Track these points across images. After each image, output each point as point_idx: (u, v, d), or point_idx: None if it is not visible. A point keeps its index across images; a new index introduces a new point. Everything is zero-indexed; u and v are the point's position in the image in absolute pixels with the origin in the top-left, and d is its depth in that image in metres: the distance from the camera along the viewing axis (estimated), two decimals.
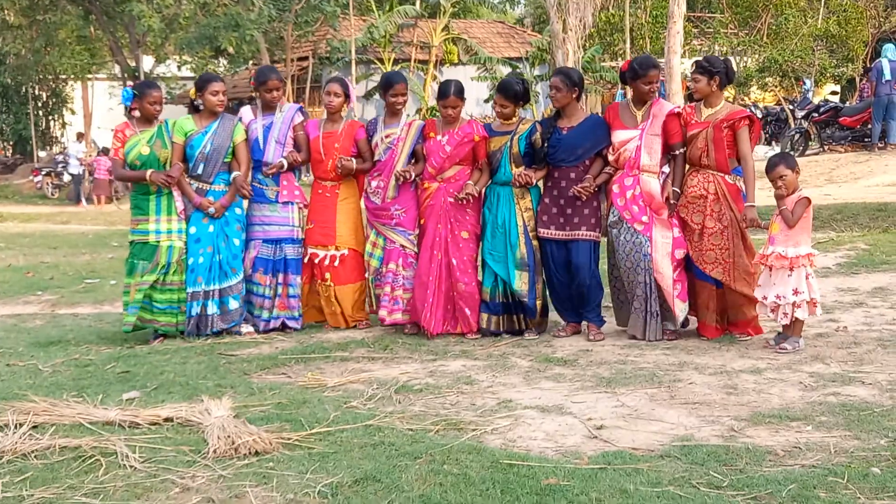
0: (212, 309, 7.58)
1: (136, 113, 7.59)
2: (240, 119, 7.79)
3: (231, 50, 28.09)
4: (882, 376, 5.81)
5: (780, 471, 4.24)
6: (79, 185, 27.96)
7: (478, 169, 7.54)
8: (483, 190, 7.52)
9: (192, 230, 7.56)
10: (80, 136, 32.39)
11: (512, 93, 7.38)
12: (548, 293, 7.55)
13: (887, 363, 6.15)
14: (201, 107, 7.67)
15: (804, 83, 25.11)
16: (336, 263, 7.77)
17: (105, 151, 29.35)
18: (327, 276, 7.77)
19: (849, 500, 3.87)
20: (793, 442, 4.65)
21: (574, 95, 7.35)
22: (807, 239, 6.62)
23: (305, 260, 7.84)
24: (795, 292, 6.50)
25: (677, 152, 7.10)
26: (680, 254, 7.05)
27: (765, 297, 6.68)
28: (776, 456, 4.45)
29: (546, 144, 7.29)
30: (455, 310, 7.50)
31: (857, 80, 27.01)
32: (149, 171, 7.39)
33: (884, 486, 3.99)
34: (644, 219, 7.05)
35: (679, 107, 7.33)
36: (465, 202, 7.40)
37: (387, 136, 7.65)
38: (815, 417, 5.02)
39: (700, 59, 7.37)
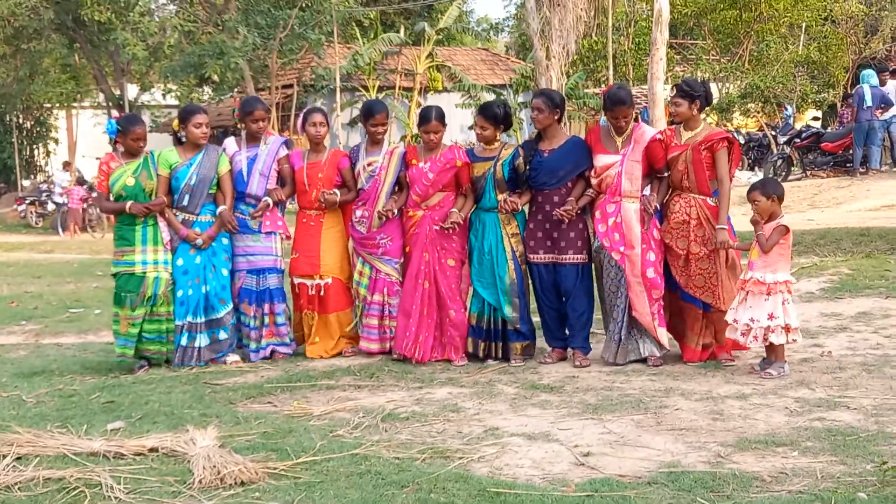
0: (201, 341, 7.56)
1: (120, 147, 7.56)
2: (224, 150, 7.78)
3: (216, 78, 28.12)
4: (867, 401, 5.83)
5: (767, 497, 4.24)
6: (64, 214, 27.86)
7: (462, 195, 7.54)
8: (468, 216, 7.53)
9: (180, 262, 7.53)
10: (66, 165, 32.30)
11: (491, 114, 7.43)
12: (537, 318, 7.55)
13: (872, 388, 6.17)
14: (184, 139, 7.66)
15: (786, 109, 25.30)
16: (321, 293, 7.77)
17: (80, 182, 29.34)
18: (312, 305, 7.78)
19: None
20: (779, 468, 4.65)
21: (556, 117, 7.38)
22: (785, 266, 6.65)
23: (295, 289, 7.85)
24: (771, 317, 6.53)
25: (662, 175, 7.15)
26: (659, 285, 7.08)
27: (736, 321, 6.71)
28: (763, 482, 4.46)
29: (528, 168, 7.32)
30: (443, 336, 7.48)
31: (838, 105, 27.22)
32: (129, 203, 7.34)
33: None
34: (622, 249, 7.07)
35: (661, 132, 7.34)
36: (450, 231, 7.41)
37: (369, 165, 7.66)
38: (802, 443, 5.03)
39: (680, 82, 7.41)
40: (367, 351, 7.69)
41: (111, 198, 7.48)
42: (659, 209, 7.12)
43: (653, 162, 7.13)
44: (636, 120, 7.54)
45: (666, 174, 7.14)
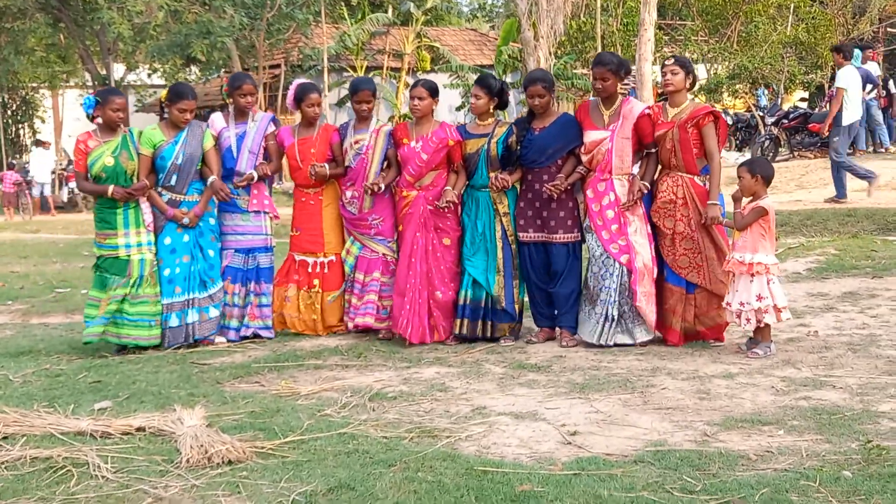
0: (192, 317, 7.50)
1: (99, 121, 7.38)
2: (207, 126, 7.73)
3: (202, 58, 27.97)
4: (852, 380, 5.86)
5: (752, 475, 4.26)
6: (46, 193, 27.84)
7: (454, 171, 7.52)
8: (461, 194, 7.51)
9: (167, 241, 7.46)
10: (39, 144, 32.03)
11: (486, 84, 7.42)
12: (525, 297, 7.56)
13: (858, 367, 6.20)
14: (167, 116, 7.58)
15: (758, 90, 25.28)
16: (326, 271, 7.76)
17: (10, 166, 29.20)
18: (315, 282, 7.76)
19: (821, 503, 3.90)
20: (765, 446, 4.68)
21: (553, 96, 7.37)
22: (766, 246, 6.63)
23: (295, 265, 7.82)
24: (759, 298, 6.55)
25: (650, 151, 7.13)
26: (655, 272, 7.06)
27: (728, 304, 6.73)
28: (749, 460, 4.48)
29: (519, 146, 7.30)
30: (430, 318, 7.48)
31: (826, 86, 27.26)
32: (111, 188, 7.22)
33: (855, 489, 4.02)
34: (613, 228, 7.05)
35: (649, 107, 7.29)
36: (445, 209, 7.39)
37: (356, 143, 7.64)
38: (787, 421, 5.06)
39: (675, 55, 7.38)
40: (355, 327, 7.71)
41: (90, 178, 7.33)
42: (648, 189, 7.09)
43: (642, 137, 7.10)
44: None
45: (654, 150, 7.11)
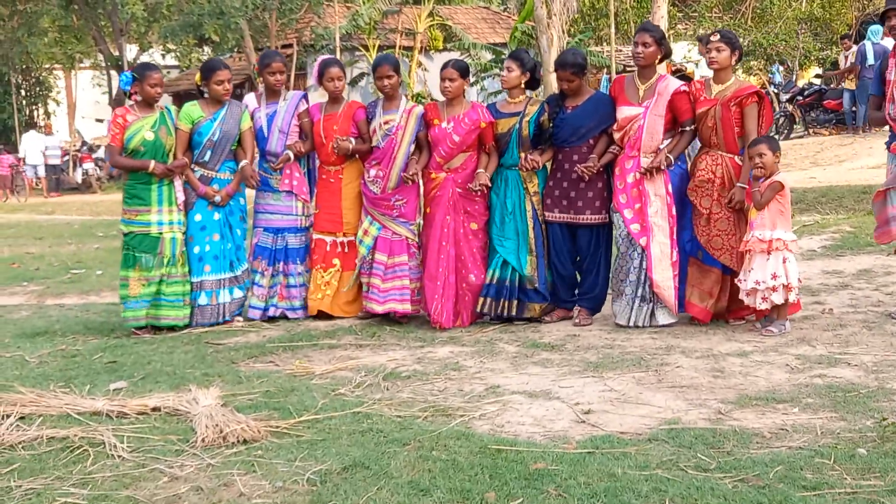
0: (224, 297, 7.53)
1: (137, 97, 7.37)
2: (246, 106, 7.72)
3: (215, 38, 27.94)
4: (867, 358, 5.84)
5: (766, 453, 4.25)
6: (57, 174, 28.01)
7: (485, 153, 7.41)
8: (491, 174, 7.40)
9: (198, 217, 7.47)
10: (32, 127, 32.10)
11: (520, 58, 7.38)
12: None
13: (873, 345, 6.18)
14: (206, 94, 7.59)
15: (773, 66, 25.13)
16: (346, 250, 7.71)
17: (8, 150, 29.33)
18: (336, 261, 7.71)
19: (835, 480, 3.89)
20: (779, 424, 4.67)
21: (582, 77, 7.28)
22: (785, 223, 6.58)
23: (313, 246, 7.80)
24: (774, 276, 6.51)
25: (685, 129, 6.97)
26: (675, 255, 6.95)
27: (741, 281, 6.68)
28: (763, 438, 4.47)
29: (551, 124, 7.22)
30: (459, 302, 7.38)
31: (841, 62, 27.09)
32: (152, 162, 7.21)
33: (870, 466, 4.01)
34: (637, 206, 6.93)
35: (685, 84, 7.11)
36: (477, 193, 7.31)
37: (385, 123, 7.51)
38: (802, 399, 5.04)
39: (721, 29, 7.21)
40: (371, 311, 7.61)
41: (125, 153, 7.29)
42: (671, 162, 6.94)
43: (677, 115, 6.94)
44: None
45: (689, 128, 6.96)
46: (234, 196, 7.60)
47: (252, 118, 7.69)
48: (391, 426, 4.81)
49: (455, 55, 30.06)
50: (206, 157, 7.48)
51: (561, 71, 7.22)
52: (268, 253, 7.72)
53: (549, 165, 7.40)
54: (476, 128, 7.29)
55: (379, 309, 7.51)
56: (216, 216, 7.53)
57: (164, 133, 7.32)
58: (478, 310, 7.36)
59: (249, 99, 7.86)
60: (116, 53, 30.80)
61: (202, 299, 7.49)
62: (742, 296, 6.76)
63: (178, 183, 7.39)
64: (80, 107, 36.42)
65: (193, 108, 7.52)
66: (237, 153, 7.63)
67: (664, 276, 6.90)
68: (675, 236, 6.95)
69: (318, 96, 8.15)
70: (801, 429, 4.57)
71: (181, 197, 7.41)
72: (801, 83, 23.65)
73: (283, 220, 7.72)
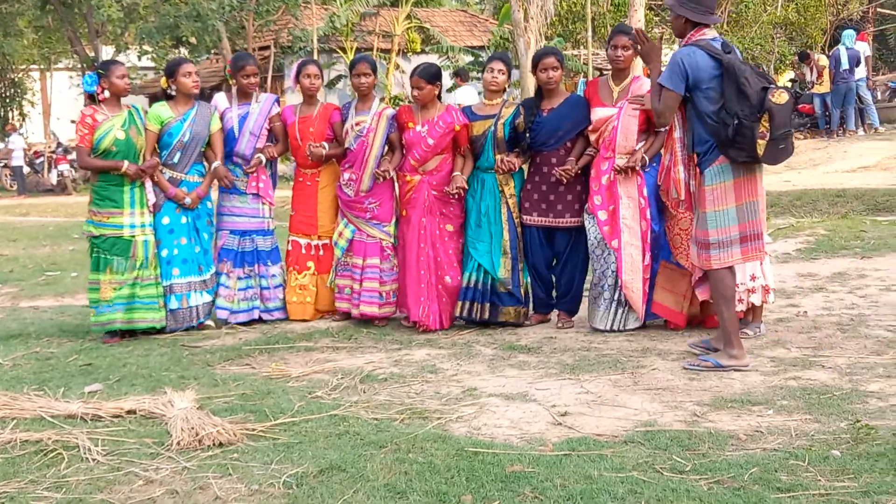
0: (195, 300, 7.47)
1: (105, 94, 7.19)
2: (215, 108, 7.68)
3: (192, 40, 27.82)
4: (841, 360, 5.88)
5: (742, 455, 4.28)
6: (22, 177, 27.90)
7: (460, 156, 7.40)
8: (468, 176, 7.39)
9: (165, 220, 7.39)
10: (7, 128, 31.88)
11: (506, 59, 7.41)
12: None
13: (847, 347, 6.22)
14: (174, 93, 7.51)
15: None
16: (321, 253, 7.72)
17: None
18: (310, 264, 7.71)
19: (810, 482, 3.91)
20: (754, 426, 4.69)
21: (563, 69, 7.31)
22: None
23: (290, 248, 7.79)
24: (753, 278, 6.55)
25: (659, 129, 6.89)
26: (647, 259, 6.90)
27: None
28: (738, 440, 4.50)
29: (528, 127, 7.19)
30: (439, 303, 7.36)
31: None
32: (125, 163, 7.09)
33: (844, 468, 4.04)
34: (610, 208, 6.93)
35: None
36: (454, 196, 7.31)
37: (357, 125, 7.51)
38: (777, 401, 5.08)
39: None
40: (341, 311, 7.65)
41: (95, 153, 7.15)
42: (647, 163, 6.90)
43: (651, 115, 6.94)
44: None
45: (663, 129, 6.94)
46: (203, 198, 7.55)
47: (223, 118, 7.65)
48: (368, 429, 4.80)
49: (433, 58, 30.06)
50: (175, 159, 7.41)
51: (545, 59, 7.19)
52: (233, 255, 7.67)
53: (525, 169, 7.40)
54: (450, 130, 7.30)
55: (353, 312, 7.55)
56: (184, 219, 7.46)
57: (134, 132, 7.21)
58: (457, 314, 7.35)
59: (220, 98, 7.81)
60: (92, 54, 30.59)
61: (173, 303, 7.42)
62: None
63: (148, 185, 7.30)
64: (55, 108, 36.15)
65: (162, 109, 7.44)
66: (207, 155, 7.58)
67: (633, 279, 6.90)
68: (648, 240, 6.94)
69: (295, 98, 8.10)
70: (775, 431, 4.60)
71: (152, 199, 7.32)
72: None
73: (250, 222, 7.69)
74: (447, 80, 23.70)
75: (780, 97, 5.62)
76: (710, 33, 5.94)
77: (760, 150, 5.64)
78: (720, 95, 5.73)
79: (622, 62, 6.99)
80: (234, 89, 7.84)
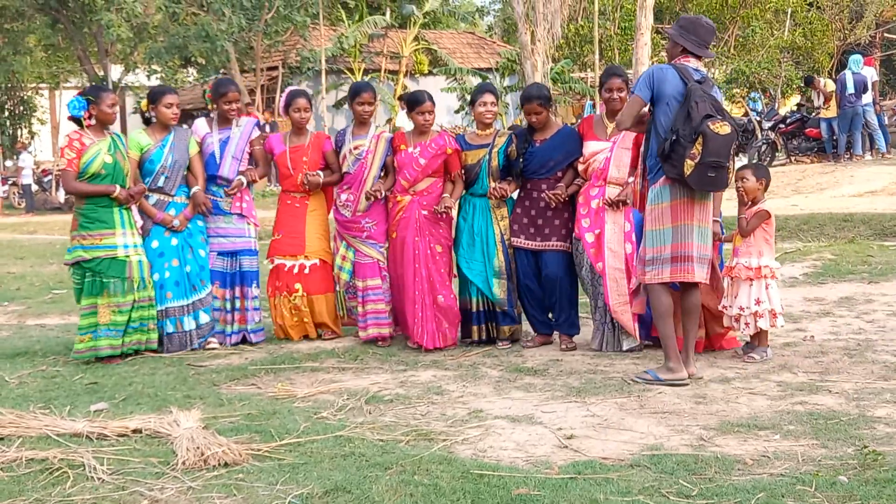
0: (189, 324, 7.46)
1: (92, 121, 7.14)
2: (191, 132, 7.71)
3: (201, 60, 27.95)
4: (848, 385, 5.86)
5: (748, 479, 4.26)
6: (31, 195, 27.97)
7: (450, 181, 7.53)
8: (457, 202, 7.52)
9: (155, 244, 7.38)
10: (18, 146, 31.98)
11: (495, 90, 7.55)
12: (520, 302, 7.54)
13: (854, 372, 6.21)
14: (153, 119, 7.53)
15: (749, 94, 25.31)
16: (306, 272, 7.74)
17: None
18: (297, 286, 7.72)
19: None
20: (761, 451, 4.68)
21: (550, 111, 7.42)
22: (769, 251, 6.64)
23: (272, 267, 7.81)
24: (758, 302, 6.55)
25: None
26: (633, 283, 6.90)
27: (725, 308, 6.71)
28: (745, 465, 4.48)
29: (521, 157, 7.29)
30: (436, 323, 7.40)
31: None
32: (117, 187, 7.05)
33: (851, 494, 4.02)
34: (596, 232, 7.01)
35: None
36: (442, 215, 7.39)
37: (355, 148, 7.62)
38: (783, 426, 5.06)
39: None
40: (367, 338, 7.58)
41: (81, 177, 7.07)
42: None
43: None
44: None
45: None
46: (191, 219, 7.56)
47: (203, 142, 7.67)
48: (373, 450, 4.80)
49: (440, 80, 30.23)
50: (161, 183, 7.42)
51: (528, 104, 7.31)
52: (226, 278, 7.69)
53: (515, 194, 7.50)
54: (442, 153, 7.40)
55: (362, 334, 7.60)
56: (174, 241, 7.45)
57: (120, 157, 7.19)
58: (474, 338, 7.45)
59: (200, 123, 7.83)
60: (101, 73, 30.74)
61: (168, 327, 7.41)
62: (727, 322, 6.79)
63: (134, 209, 7.29)
64: (63, 127, 36.29)
65: (141, 136, 7.47)
66: (188, 179, 7.60)
67: (619, 302, 6.94)
68: (633, 264, 6.93)
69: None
70: (782, 456, 4.58)
71: (139, 220, 7.32)
72: (782, 111, 23.82)
73: (237, 242, 7.71)
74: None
75: (721, 128, 5.83)
76: (693, 62, 6.15)
77: (688, 170, 5.85)
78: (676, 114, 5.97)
79: (617, 103, 7.10)
80: (214, 114, 7.85)
